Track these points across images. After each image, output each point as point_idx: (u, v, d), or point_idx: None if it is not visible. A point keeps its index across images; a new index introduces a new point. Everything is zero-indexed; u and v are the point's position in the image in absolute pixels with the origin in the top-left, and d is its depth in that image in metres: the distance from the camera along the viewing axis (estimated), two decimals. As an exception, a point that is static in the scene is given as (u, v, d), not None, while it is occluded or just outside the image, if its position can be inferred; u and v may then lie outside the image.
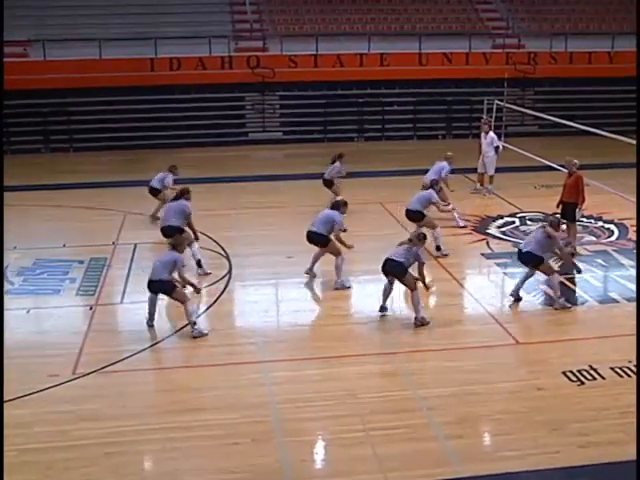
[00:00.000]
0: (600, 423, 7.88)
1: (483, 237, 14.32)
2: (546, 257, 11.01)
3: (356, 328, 10.39)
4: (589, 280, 12.14)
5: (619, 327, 10.16)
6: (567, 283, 11.87)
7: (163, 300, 10.46)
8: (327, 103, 24.99)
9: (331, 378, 8.88)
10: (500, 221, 15.33)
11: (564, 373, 8.92)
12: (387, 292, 10.55)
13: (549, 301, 11.09)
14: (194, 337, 9.94)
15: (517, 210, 16.00)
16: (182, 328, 10.22)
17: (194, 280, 11.04)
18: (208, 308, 11.08)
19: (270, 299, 11.60)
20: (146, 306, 10.28)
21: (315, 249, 11.91)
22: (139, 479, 7.17)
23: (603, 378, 8.81)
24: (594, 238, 14.21)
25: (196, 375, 9.10)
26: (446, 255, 13.02)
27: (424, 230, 12.09)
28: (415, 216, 13.23)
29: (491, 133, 17.70)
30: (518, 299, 11.11)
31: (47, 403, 8.35)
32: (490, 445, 7.81)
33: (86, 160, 22.32)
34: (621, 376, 8.84)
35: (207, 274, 12.24)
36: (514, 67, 24.90)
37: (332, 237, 11.60)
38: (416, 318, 10.22)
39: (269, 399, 8.42)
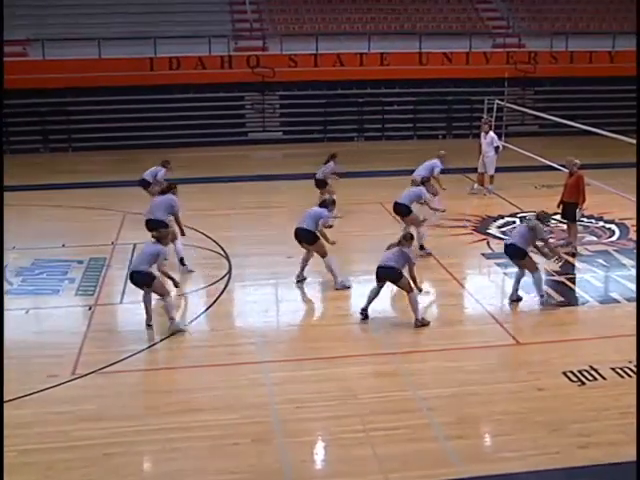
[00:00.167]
0: (600, 424, 7.86)
1: (483, 237, 14.30)
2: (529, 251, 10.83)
3: (356, 328, 10.38)
4: (590, 280, 12.13)
5: (620, 327, 10.13)
6: (567, 283, 11.87)
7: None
8: (327, 103, 24.96)
9: (331, 378, 8.86)
10: (501, 221, 15.32)
11: (564, 373, 8.90)
12: (373, 296, 10.42)
13: (549, 301, 11.06)
14: (171, 333, 9.95)
15: (518, 210, 15.97)
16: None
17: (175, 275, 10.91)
18: (208, 308, 11.06)
19: (270, 299, 11.58)
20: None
21: (303, 252, 11.80)
22: (139, 480, 7.17)
23: (604, 378, 8.79)
24: (595, 238, 14.20)
25: (196, 375, 9.08)
26: (430, 254, 12.95)
27: (411, 229, 12.07)
28: (401, 209, 13.08)
29: (491, 133, 17.68)
30: (518, 299, 11.09)
31: (47, 403, 8.34)
32: (490, 446, 7.80)
33: (85, 160, 22.30)
34: (622, 376, 8.82)
35: (190, 272, 12.24)
36: (514, 67, 24.90)
37: (317, 233, 11.50)
38: (416, 319, 10.18)
39: (269, 399, 8.40)
